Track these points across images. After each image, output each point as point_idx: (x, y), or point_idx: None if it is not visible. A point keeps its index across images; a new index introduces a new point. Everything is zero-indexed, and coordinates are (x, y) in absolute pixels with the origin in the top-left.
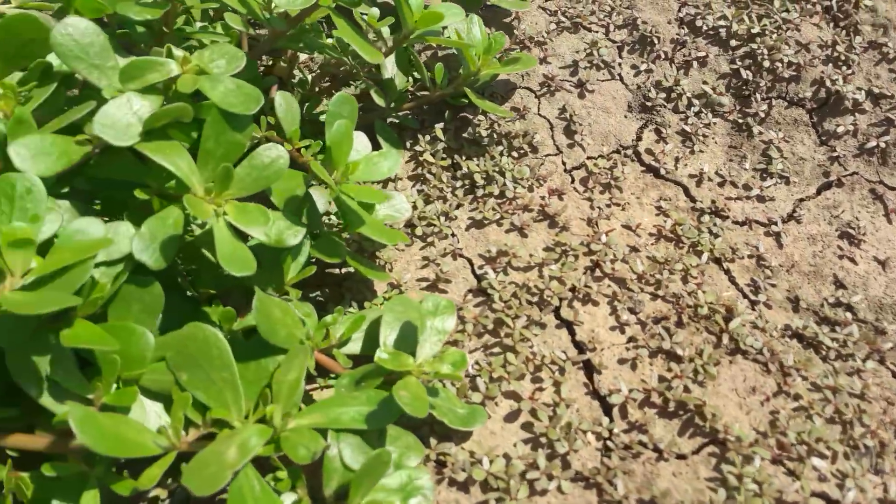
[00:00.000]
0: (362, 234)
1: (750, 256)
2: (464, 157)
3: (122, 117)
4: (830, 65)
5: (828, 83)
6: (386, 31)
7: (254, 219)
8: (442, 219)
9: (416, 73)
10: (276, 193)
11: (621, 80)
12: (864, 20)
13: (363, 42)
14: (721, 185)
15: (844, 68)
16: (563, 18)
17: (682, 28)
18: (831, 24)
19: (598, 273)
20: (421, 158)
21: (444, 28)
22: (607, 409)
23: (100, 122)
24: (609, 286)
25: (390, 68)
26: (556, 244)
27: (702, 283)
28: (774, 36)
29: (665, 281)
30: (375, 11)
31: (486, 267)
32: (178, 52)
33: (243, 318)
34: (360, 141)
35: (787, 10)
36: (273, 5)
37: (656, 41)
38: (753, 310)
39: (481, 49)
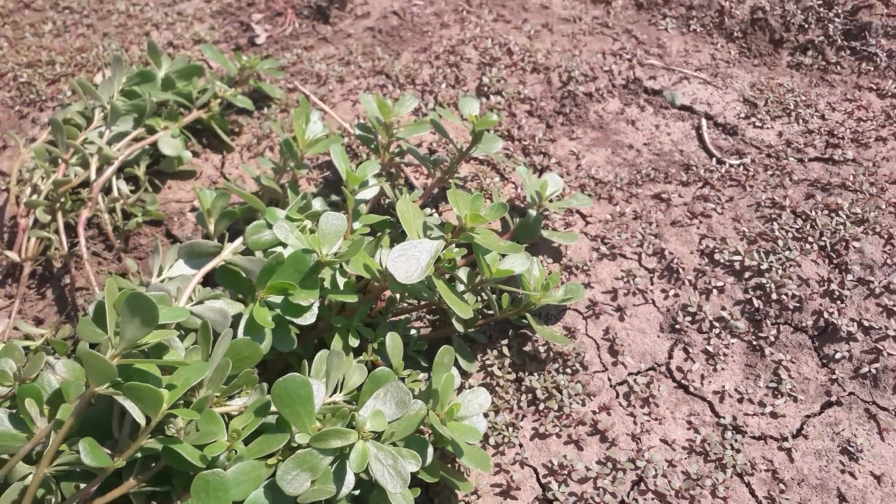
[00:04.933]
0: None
1: (766, 470)
2: (526, 373)
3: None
4: (827, 298)
5: (825, 314)
6: (464, 276)
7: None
8: (510, 429)
9: (485, 296)
10: None
11: (654, 303)
12: (853, 260)
13: (457, 300)
14: (740, 401)
15: (839, 302)
16: (602, 247)
17: (703, 259)
18: (826, 262)
19: (642, 487)
20: (489, 370)
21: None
22: None
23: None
24: (653, 499)
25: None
26: (607, 458)
27: (727, 498)
28: (780, 271)
29: (698, 497)
30: (464, 274)
31: (549, 477)
32: (362, 417)
33: None
34: (455, 374)
35: (790, 249)
36: None
37: (681, 270)
38: None
39: (539, 286)
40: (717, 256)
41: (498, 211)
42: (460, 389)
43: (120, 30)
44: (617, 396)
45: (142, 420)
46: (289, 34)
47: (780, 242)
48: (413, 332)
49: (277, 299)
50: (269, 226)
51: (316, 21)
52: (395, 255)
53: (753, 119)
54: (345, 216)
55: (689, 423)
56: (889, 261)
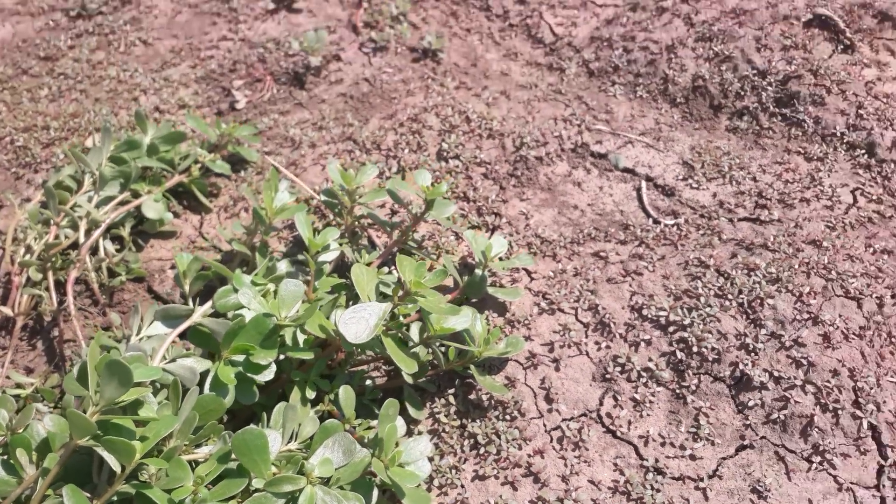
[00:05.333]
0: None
1: None
2: (470, 419)
3: None
4: (743, 350)
5: (741, 365)
6: (415, 331)
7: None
8: (453, 471)
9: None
10: None
11: (587, 355)
12: (767, 316)
13: (402, 356)
14: (662, 444)
15: (753, 354)
16: (543, 302)
17: (633, 313)
18: (743, 317)
19: None
20: (437, 417)
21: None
22: None
23: None
24: None
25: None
26: (539, 498)
27: None
28: (701, 326)
29: None
30: (416, 328)
31: None
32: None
33: None
34: (400, 422)
35: (710, 306)
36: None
37: (613, 324)
38: None
39: (482, 340)
40: (645, 312)
41: (439, 276)
42: (410, 434)
43: (111, 95)
44: (551, 441)
45: (118, 468)
46: (267, 99)
47: (703, 299)
48: (369, 382)
49: (240, 358)
50: (236, 290)
51: (293, 87)
52: (346, 318)
53: (690, 181)
54: (302, 282)
55: (616, 464)
56: (799, 316)
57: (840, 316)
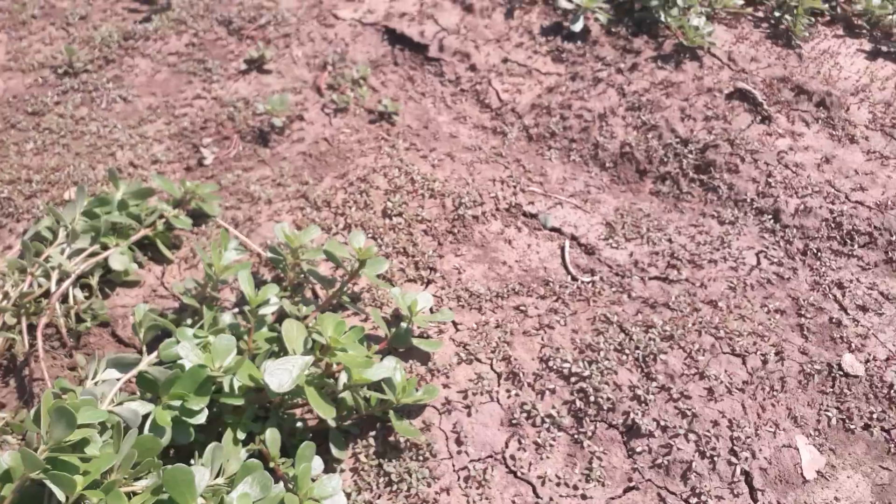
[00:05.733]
0: None
1: None
2: (386, 459)
3: None
4: (635, 401)
5: (632, 414)
6: (344, 379)
7: None
8: None
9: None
10: None
11: (498, 402)
12: (658, 370)
13: (322, 403)
14: (558, 484)
15: (644, 405)
16: (463, 352)
17: (542, 364)
18: (638, 371)
19: None
20: (358, 457)
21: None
22: None
23: None
24: None
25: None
26: None
27: None
28: (599, 377)
29: None
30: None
31: None
32: (231, 498)
33: None
34: (317, 461)
35: (609, 360)
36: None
37: (522, 374)
38: None
39: (400, 388)
40: (551, 363)
41: (356, 333)
42: (333, 471)
43: (90, 150)
44: (458, 479)
45: (63, 499)
46: (233, 156)
47: (603, 353)
48: (300, 424)
49: (177, 403)
50: (178, 342)
51: (258, 145)
52: (271, 368)
53: (611, 240)
54: (233, 338)
55: (514, 502)
56: (687, 371)
57: (725, 371)
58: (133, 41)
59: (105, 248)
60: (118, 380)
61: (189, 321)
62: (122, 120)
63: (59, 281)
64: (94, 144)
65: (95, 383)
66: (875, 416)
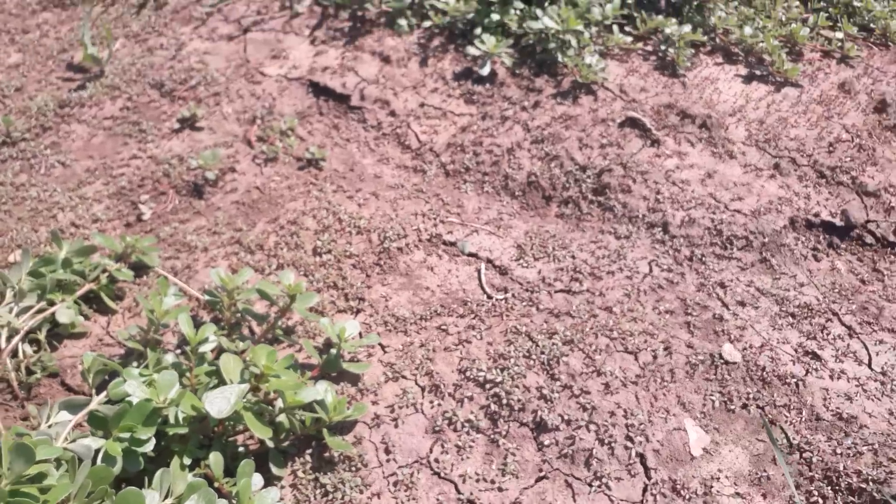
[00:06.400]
0: None
1: None
2: (322, 473)
3: None
4: (542, 400)
5: (540, 412)
6: (280, 402)
7: None
8: None
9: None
10: None
11: (422, 412)
12: (562, 371)
13: (258, 425)
14: (477, 481)
15: (549, 403)
16: (390, 371)
17: (461, 375)
18: (544, 373)
19: None
20: (296, 473)
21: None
22: None
23: None
24: None
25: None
26: None
27: None
28: (510, 382)
29: None
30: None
31: None
32: None
33: None
34: (257, 477)
35: (518, 366)
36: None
37: (443, 385)
38: None
39: (332, 408)
40: (469, 373)
41: (287, 360)
42: (273, 486)
43: (32, 214)
44: (388, 485)
45: None
46: (170, 210)
47: (513, 360)
48: (242, 448)
49: (127, 435)
50: (125, 381)
51: (193, 198)
52: (212, 397)
53: (521, 261)
54: (176, 373)
55: (438, 500)
56: (586, 370)
57: (620, 367)
58: (69, 108)
59: (52, 303)
60: (70, 421)
61: (135, 364)
62: (61, 184)
63: (9, 338)
64: (35, 209)
65: (49, 426)
66: (751, 396)
